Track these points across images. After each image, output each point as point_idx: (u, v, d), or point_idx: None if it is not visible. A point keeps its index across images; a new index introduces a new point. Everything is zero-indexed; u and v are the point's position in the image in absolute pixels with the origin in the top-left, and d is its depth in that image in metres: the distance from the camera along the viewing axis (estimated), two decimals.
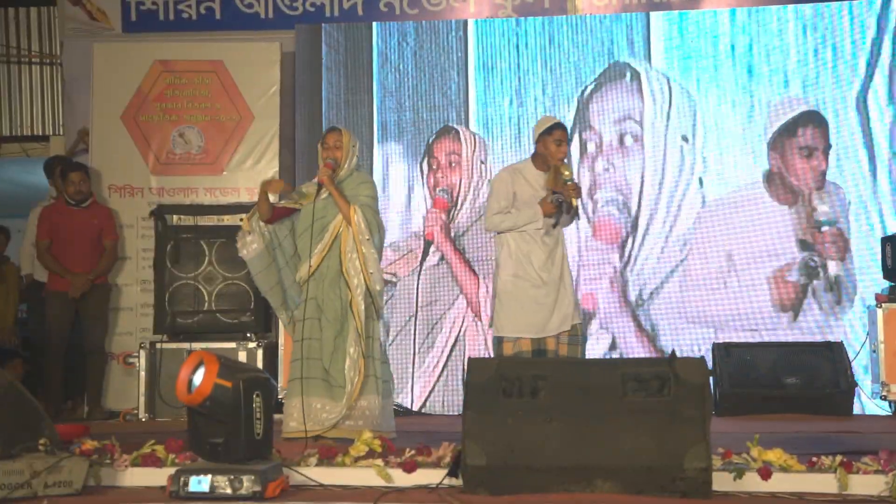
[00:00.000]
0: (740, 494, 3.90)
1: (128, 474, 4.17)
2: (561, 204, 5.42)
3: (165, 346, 7.03)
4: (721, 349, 7.04)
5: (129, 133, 8.15)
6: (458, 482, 3.97)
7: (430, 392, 7.80)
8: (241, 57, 8.24)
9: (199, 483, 3.79)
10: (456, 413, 7.37)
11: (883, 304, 6.93)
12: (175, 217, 7.26)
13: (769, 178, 7.86)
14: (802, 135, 7.84)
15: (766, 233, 7.77)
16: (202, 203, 7.83)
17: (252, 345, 6.99)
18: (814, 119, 7.85)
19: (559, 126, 5.54)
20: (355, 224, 5.22)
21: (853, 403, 6.87)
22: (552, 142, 5.47)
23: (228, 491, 3.78)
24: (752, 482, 3.94)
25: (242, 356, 6.86)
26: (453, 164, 8.09)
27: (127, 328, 7.90)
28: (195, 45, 8.34)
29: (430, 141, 8.12)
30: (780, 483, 3.94)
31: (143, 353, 6.99)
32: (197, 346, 6.88)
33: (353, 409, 5.15)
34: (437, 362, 7.83)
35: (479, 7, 8.37)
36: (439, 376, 7.80)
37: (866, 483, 3.90)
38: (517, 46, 8.15)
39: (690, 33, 8.01)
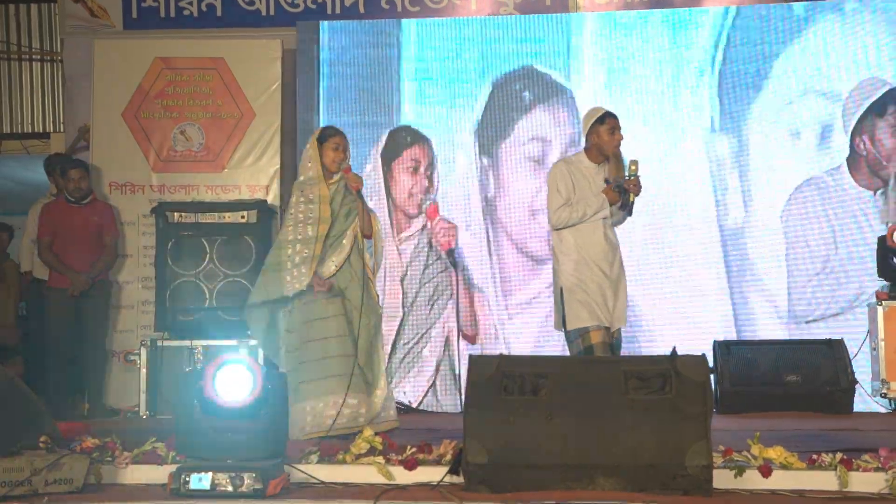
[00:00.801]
0: (741, 492, 3.91)
1: (128, 472, 4.17)
2: (623, 192, 5.39)
3: (166, 343, 7.03)
4: (722, 347, 7.04)
5: (130, 130, 8.15)
6: (458, 480, 3.97)
7: (427, 391, 7.83)
8: (242, 54, 8.23)
9: (200, 480, 3.79)
10: (457, 411, 7.38)
11: (883, 302, 6.93)
12: (176, 214, 7.26)
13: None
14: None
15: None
16: (203, 200, 7.83)
17: (253, 342, 6.97)
18: None
19: (610, 114, 5.48)
20: (377, 232, 5.46)
21: (853, 401, 6.86)
22: (605, 131, 5.42)
23: (229, 488, 3.78)
24: (752, 480, 3.94)
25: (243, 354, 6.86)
26: (419, 170, 8.10)
27: (128, 325, 7.91)
28: (196, 43, 8.33)
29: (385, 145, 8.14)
30: (780, 480, 3.94)
31: (143, 351, 7.00)
32: (198, 343, 6.89)
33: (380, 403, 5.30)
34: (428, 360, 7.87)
35: (481, 5, 8.37)
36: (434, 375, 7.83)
37: (866, 480, 3.90)
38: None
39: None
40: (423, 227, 8.04)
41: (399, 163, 8.14)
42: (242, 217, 7.24)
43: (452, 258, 7.75)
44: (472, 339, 7.84)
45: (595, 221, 5.40)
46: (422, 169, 8.08)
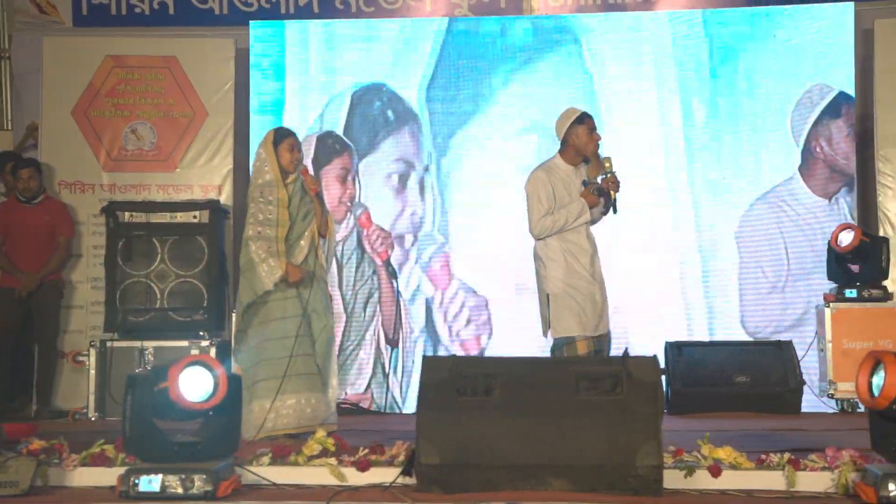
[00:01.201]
0: (691, 492, 3.94)
1: (76, 474, 4.13)
2: (602, 193, 5.34)
3: (116, 344, 6.96)
4: (673, 348, 7.11)
5: (80, 128, 8.05)
6: (411, 481, 3.97)
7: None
8: (194, 53, 8.16)
9: (150, 483, 3.76)
10: (410, 412, 7.38)
11: (831, 304, 7.03)
12: (127, 214, 7.19)
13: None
14: None
15: None
16: (155, 200, 7.76)
17: (205, 343, 6.93)
18: None
19: (588, 115, 5.42)
20: (331, 232, 5.49)
21: (801, 401, 6.96)
22: (585, 131, 5.35)
23: (180, 490, 3.75)
24: (702, 480, 3.98)
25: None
26: (347, 179, 8.13)
27: (77, 326, 7.81)
28: (148, 41, 8.25)
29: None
30: (729, 480, 3.99)
31: (93, 352, 6.92)
32: (149, 344, 6.83)
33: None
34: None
35: (435, 6, 8.37)
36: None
37: (813, 480, 3.96)
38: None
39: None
40: (350, 233, 8.05)
41: (329, 170, 8.13)
42: (195, 217, 7.18)
43: (391, 267, 7.83)
44: (394, 344, 7.90)
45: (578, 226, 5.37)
46: (349, 177, 8.10)
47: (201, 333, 7.02)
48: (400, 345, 7.91)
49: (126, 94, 8.12)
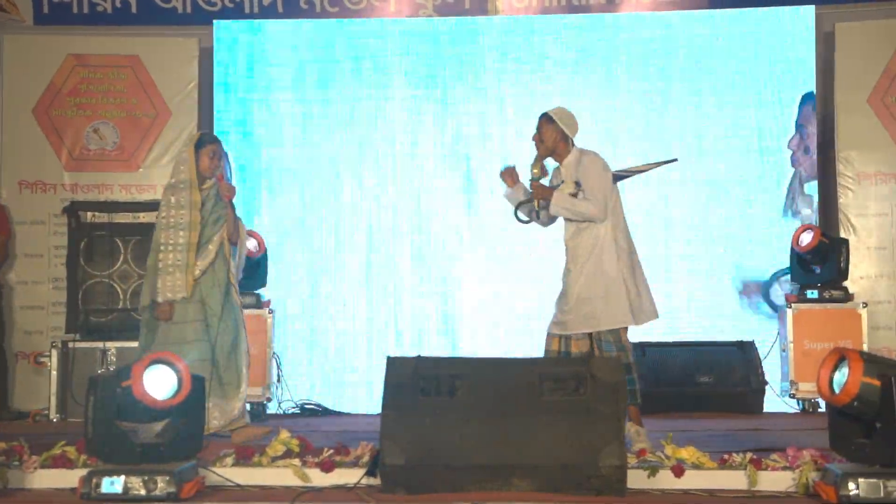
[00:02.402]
0: (654, 492, 3.97)
1: (37, 476, 4.09)
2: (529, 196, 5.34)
3: (78, 345, 6.88)
4: (636, 349, 7.11)
5: (41, 128, 7.97)
6: (376, 481, 3.97)
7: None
8: (157, 52, 8.10)
9: (112, 484, 3.74)
10: (374, 412, 7.36)
11: (793, 305, 7.10)
12: (89, 214, 7.14)
13: None
14: None
15: None
16: (118, 200, 7.70)
17: (138, 342, 6.86)
18: None
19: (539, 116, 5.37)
20: (242, 239, 5.55)
21: (764, 401, 7.02)
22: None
23: (142, 492, 3.73)
24: (665, 479, 4.01)
25: None
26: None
27: (38, 327, 7.74)
28: (110, 39, 8.17)
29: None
30: (692, 480, 4.02)
31: (54, 353, 6.84)
32: (111, 345, 6.77)
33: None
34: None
35: (400, 6, 8.37)
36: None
37: (774, 479, 4.00)
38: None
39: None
40: None
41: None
42: None
43: None
44: None
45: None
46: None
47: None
48: None
49: (88, 93, 8.05)
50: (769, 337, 7.41)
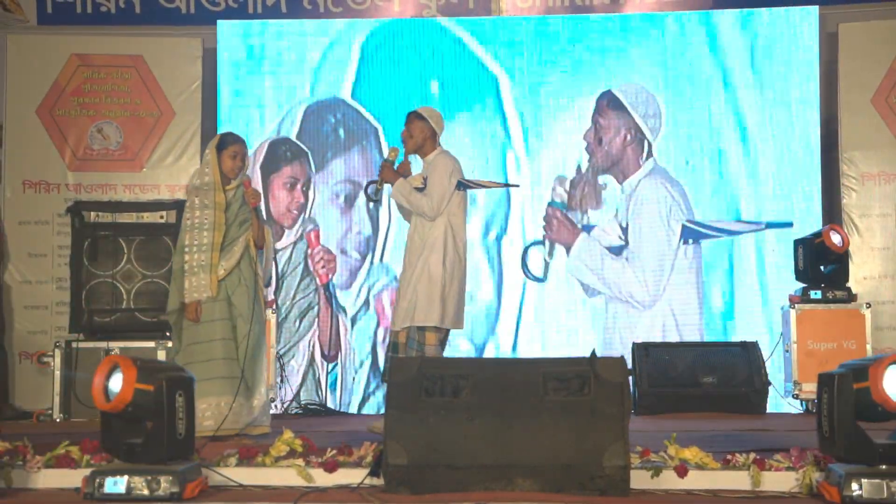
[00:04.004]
0: (657, 492, 3.96)
1: (41, 476, 4.09)
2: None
3: (82, 345, 6.88)
4: (640, 349, 7.15)
5: (45, 128, 7.99)
6: (379, 482, 3.97)
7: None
8: (161, 52, 8.12)
9: (116, 484, 3.73)
10: (376, 413, 7.37)
11: (796, 305, 7.09)
12: (93, 214, 7.12)
13: None
14: None
15: None
16: (121, 200, 7.71)
17: (171, 344, 6.87)
18: None
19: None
20: (268, 244, 5.57)
21: (767, 402, 7.02)
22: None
23: (145, 492, 3.72)
24: (669, 480, 4.01)
25: (161, 355, 6.75)
26: (297, 187, 8.12)
27: (42, 327, 7.76)
28: (114, 39, 8.19)
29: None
30: (695, 480, 4.01)
31: (58, 353, 6.84)
32: (114, 345, 6.77)
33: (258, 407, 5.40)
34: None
35: (404, 6, 8.37)
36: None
37: (778, 480, 3.99)
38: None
39: None
40: (297, 241, 8.05)
41: (278, 178, 8.13)
42: (161, 217, 7.12)
43: (329, 291, 7.83)
44: (332, 359, 7.90)
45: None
46: (299, 186, 8.08)
47: (167, 334, 6.96)
48: (340, 360, 7.93)
49: (92, 93, 8.06)
50: (773, 337, 7.42)
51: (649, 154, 8.02)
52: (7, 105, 8.00)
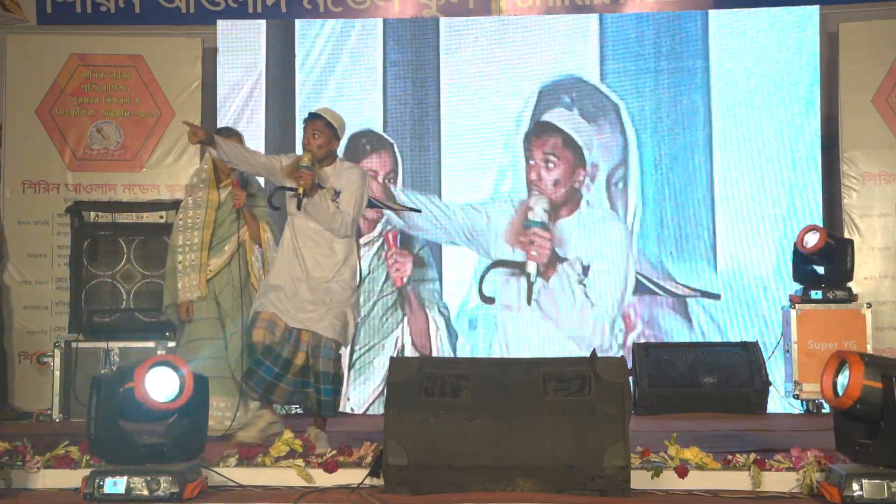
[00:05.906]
0: (658, 492, 3.96)
1: (40, 476, 4.09)
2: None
3: (81, 345, 6.88)
4: (640, 349, 7.14)
5: (44, 127, 7.98)
6: (379, 482, 3.97)
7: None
8: (161, 51, 8.11)
9: (115, 485, 3.73)
10: (377, 413, 7.36)
11: (796, 305, 7.08)
12: (93, 214, 7.12)
13: None
14: None
15: None
16: (121, 200, 7.70)
17: (171, 344, 6.87)
18: None
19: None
20: (265, 242, 5.47)
21: (767, 402, 7.01)
22: None
23: (145, 492, 3.72)
24: (669, 480, 4.00)
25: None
26: (378, 180, 8.05)
27: (41, 326, 7.75)
28: (114, 39, 8.18)
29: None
30: (696, 481, 4.01)
31: (57, 353, 6.84)
32: (114, 345, 6.77)
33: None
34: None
35: (404, 6, 8.36)
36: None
37: (778, 480, 3.99)
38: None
39: None
40: (379, 242, 7.99)
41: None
42: (161, 217, 7.14)
43: (403, 295, 7.82)
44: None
45: None
46: (380, 178, 8.04)
47: (167, 334, 6.96)
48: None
49: (91, 93, 8.05)
50: (773, 337, 7.42)
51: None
52: (7, 105, 7.99)
